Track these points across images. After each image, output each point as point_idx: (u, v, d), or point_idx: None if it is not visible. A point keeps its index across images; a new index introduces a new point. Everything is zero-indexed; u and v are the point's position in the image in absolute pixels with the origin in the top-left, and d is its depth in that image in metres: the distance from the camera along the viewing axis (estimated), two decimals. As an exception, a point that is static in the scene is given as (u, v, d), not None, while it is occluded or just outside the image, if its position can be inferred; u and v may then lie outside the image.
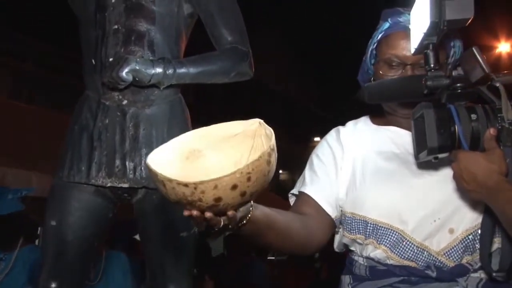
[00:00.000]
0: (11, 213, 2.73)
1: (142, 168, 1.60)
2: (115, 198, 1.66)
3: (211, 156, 1.07)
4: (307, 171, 1.45)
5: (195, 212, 0.95)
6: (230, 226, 1.02)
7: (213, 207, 0.93)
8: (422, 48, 1.18)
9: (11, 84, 6.28)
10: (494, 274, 1.27)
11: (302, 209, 1.39)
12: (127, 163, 1.60)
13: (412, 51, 1.23)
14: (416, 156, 1.23)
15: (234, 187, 0.90)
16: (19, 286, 2.64)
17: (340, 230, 1.43)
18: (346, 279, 1.43)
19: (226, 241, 5.28)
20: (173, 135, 1.63)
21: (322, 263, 5.43)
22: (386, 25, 1.40)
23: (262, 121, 1.06)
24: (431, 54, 1.17)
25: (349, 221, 1.38)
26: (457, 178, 1.19)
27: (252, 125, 1.07)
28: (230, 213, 0.97)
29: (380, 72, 1.39)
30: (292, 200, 1.49)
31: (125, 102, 1.62)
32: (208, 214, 0.94)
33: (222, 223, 0.98)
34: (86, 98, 1.67)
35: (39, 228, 2.95)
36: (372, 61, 1.44)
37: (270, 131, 1.03)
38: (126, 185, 1.60)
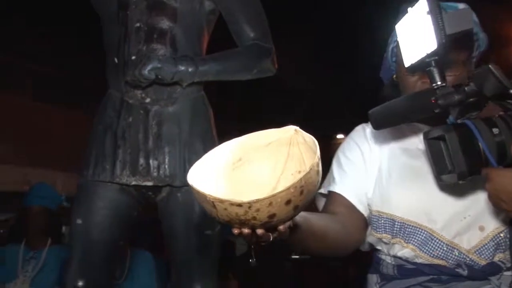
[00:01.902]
0: (40, 212, 2.81)
1: (166, 166, 1.59)
2: (139, 196, 1.66)
3: (246, 169, 1.03)
4: (335, 170, 1.43)
5: (246, 231, 0.91)
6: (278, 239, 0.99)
7: (266, 224, 0.90)
8: (423, 66, 1.12)
9: (32, 85, 6.33)
10: None
11: (335, 209, 1.36)
12: (150, 161, 1.60)
13: (407, 65, 1.18)
14: (438, 176, 1.18)
15: (288, 202, 0.87)
16: (50, 283, 2.69)
17: (368, 228, 1.41)
18: (373, 278, 1.41)
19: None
20: (196, 133, 1.64)
21: (347, 262, 5.40)
22: None
23: (298, 128, 1.02)
24: (435, 71, 1.10)
25: (375, 220, 1.36)
26: (494, 199, 1.10)
27: (287, 133, 1.02)
28: (281, 227, 0.94)
29: (406, 74, 1.35)
30: (318, 199, 1.47)
31: (148, 100, 1.62)
32: (260, 231, 0.91)
33: (271, 238, 0.95)
34: (110, 96, 1.67)
35: (63, 227, 3.01)
36: (394, 59, 1.41)
37: (311, 138, 0.98)
38: (150, 183, 1.60)
